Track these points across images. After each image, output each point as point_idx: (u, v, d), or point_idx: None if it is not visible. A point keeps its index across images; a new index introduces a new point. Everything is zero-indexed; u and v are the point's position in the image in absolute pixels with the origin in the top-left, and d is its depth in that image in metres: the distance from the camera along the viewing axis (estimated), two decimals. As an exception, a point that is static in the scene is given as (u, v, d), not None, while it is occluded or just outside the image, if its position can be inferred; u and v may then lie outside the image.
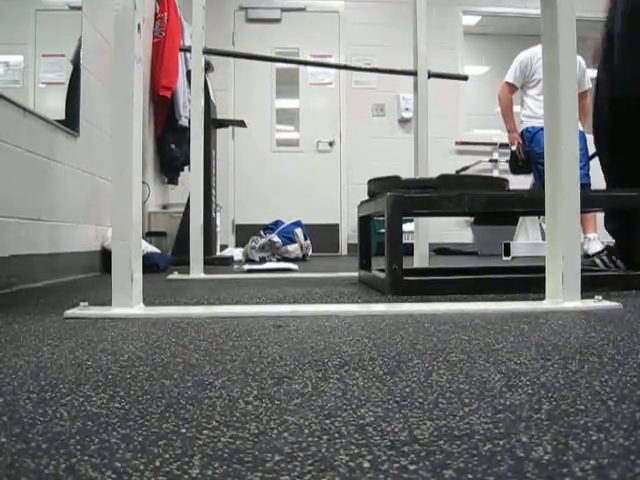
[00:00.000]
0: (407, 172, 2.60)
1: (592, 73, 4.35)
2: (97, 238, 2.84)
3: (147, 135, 4.01)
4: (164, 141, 4.33)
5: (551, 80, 1.37)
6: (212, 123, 3.81)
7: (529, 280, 1.73)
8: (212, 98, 3.90)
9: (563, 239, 1.33)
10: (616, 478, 0.41)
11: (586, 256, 4.12)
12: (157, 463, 0.45)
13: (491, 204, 1.82)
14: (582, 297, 1.34)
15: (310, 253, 4.36)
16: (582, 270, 1.35)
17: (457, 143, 6.22)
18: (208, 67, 3.46)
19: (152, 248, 3.21)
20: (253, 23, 5.96)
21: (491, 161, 6.22)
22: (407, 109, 5.99)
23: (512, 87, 4.27)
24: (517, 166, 4.34)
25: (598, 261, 2.07)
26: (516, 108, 4.38)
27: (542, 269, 1.45)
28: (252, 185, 5.92)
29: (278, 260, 3.91)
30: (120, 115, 1.29)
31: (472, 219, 5.48)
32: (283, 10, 5.94)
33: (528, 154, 4.27)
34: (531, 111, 4.26)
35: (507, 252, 4.11)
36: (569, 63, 1.34)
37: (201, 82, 2.72)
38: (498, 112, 4.43)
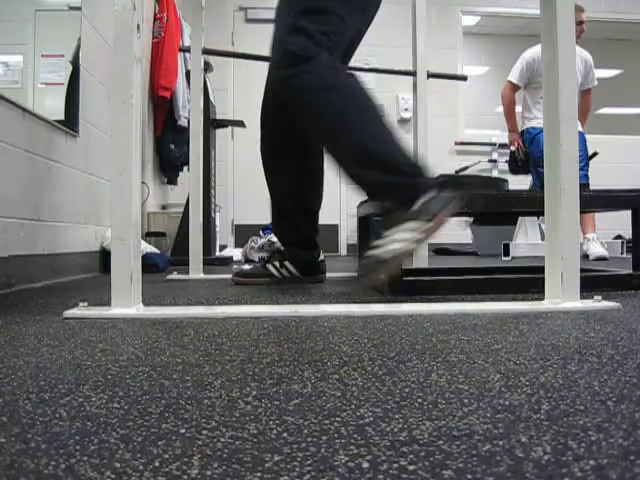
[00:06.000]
0: (406, 172, 2.59)
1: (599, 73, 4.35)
2: (96, 238, 2.84)
3: (146, 135, 4.01)
4: (163, 141, 4.33)
5: (550, 80, 1.37)
6: (211, 123, 3.81)
7: (528, 280, 1.73)
8: (211, 98, 3.89)
9: (563, 239, 1.33)
10: (615, 478, 0.41)
11: (585, 257, 4.11)
12: (156, 463, 0.45)
13: (490, 204, 1.82)
14: (581, 297, 1.34)
15: (309, 253, 4.35)
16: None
17: (456, 143, 6.22)
18: (207, 67, 3.46)
19: (151, 248, 3.21)
20: (252, 23, 5.96)
21: (490, 161, 6.23)
22: (406, 109, 6.00)
23: (515, 86, 4.22)
24: (516, 166, 4.33)
25: (271, 267, 2.06)
26: (518, 108, 4.37)
27: (541, 269, 1.45)
28: (251, 185, 5.89)
29: (277, 260, 3.90)
30: (119, 115, 1.29)
31: (471, 219, 5.48)
32: (282, 10, 5.94)
33: (527, 155, 4.26)
34: (531, 113, 4.25)
35: (506, 252, 4.12)
36: (568, 63, 1.34)
37: (200, 82, 2.72)
38: (497, 112, 4.43)
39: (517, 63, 4.25)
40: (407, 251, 1.47)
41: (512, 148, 4.29)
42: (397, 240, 1.45)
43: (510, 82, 4.24)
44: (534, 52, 4.14)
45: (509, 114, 4.29)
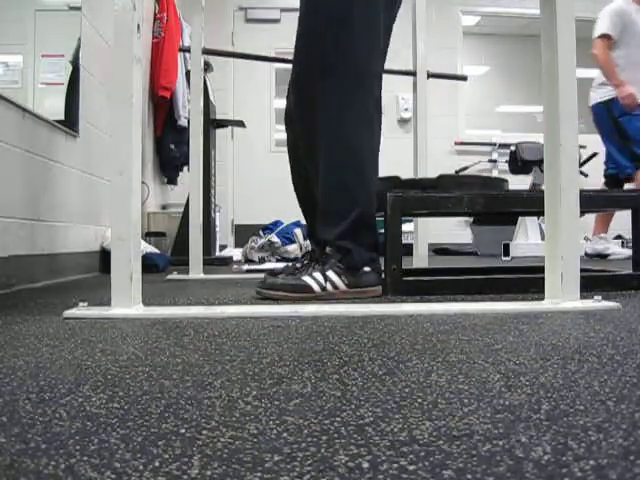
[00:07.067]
0: (406, 172, 2.60)
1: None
2: (96, 238, 2.84)
3: (146, 135, 4.01)
4: (163, 141, 4.34)
5: (551, 80, 1.37)
6: (211, 123, 3.81)
7: (528, 280, 1.73)
8: (211, 98, 3.89)
9: (563, 239, 1.33)
10: (615, 478, 0.41)
11: (603, 256, 4.01)
12: (156, 463, 0.45)
13: (490, 204, 1.82)
14: (581, 297, 1.34)
15: (309, 253, 4.35)
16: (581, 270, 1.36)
17: (456, 143, 6.22)
18: (207, 67, 3.46)
19: (151, 248, 3.21)
20: (252, 23, 5.96)
21: (490, 161, 6.23)
22: (406, 109, 6.00)
23: (608, 39, 3.68)
24: (516, 166, 4.31)
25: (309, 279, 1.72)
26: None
27: (541, 269, 1.45)
28: (252, 185, 5.91)
29: (277, 260, 3.91)
30: (119, 115, 1.29)
31: (471, 219, 5.48)
32: (282, 10, 5.94)
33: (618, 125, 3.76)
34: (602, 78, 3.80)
35: (506, 252, 4.12)
36: (568, 62, 1.34)
37: (200, 82, 2.72)
38: (498, 112, 4.39)
39: (600, 19, 3.74)
40: (311, 290, 1.56)
41: (622, 101, 3.74)
42: (313, 277, 1.57)
43: (602, 36, 3.67)
44: (617, 4, 3.65)
45: (609, 71, 3.71)
